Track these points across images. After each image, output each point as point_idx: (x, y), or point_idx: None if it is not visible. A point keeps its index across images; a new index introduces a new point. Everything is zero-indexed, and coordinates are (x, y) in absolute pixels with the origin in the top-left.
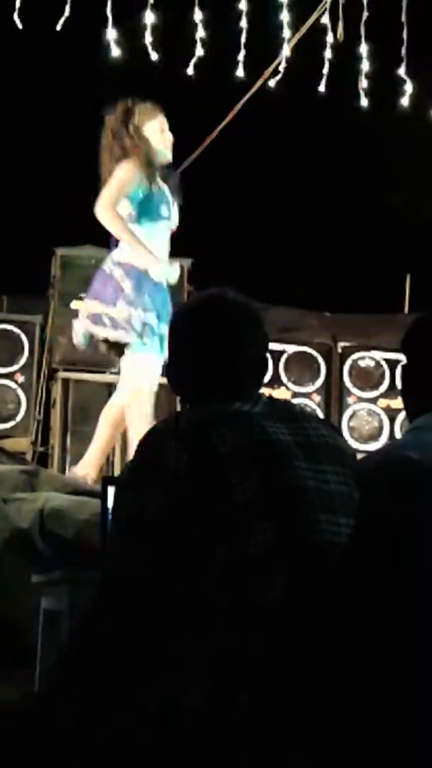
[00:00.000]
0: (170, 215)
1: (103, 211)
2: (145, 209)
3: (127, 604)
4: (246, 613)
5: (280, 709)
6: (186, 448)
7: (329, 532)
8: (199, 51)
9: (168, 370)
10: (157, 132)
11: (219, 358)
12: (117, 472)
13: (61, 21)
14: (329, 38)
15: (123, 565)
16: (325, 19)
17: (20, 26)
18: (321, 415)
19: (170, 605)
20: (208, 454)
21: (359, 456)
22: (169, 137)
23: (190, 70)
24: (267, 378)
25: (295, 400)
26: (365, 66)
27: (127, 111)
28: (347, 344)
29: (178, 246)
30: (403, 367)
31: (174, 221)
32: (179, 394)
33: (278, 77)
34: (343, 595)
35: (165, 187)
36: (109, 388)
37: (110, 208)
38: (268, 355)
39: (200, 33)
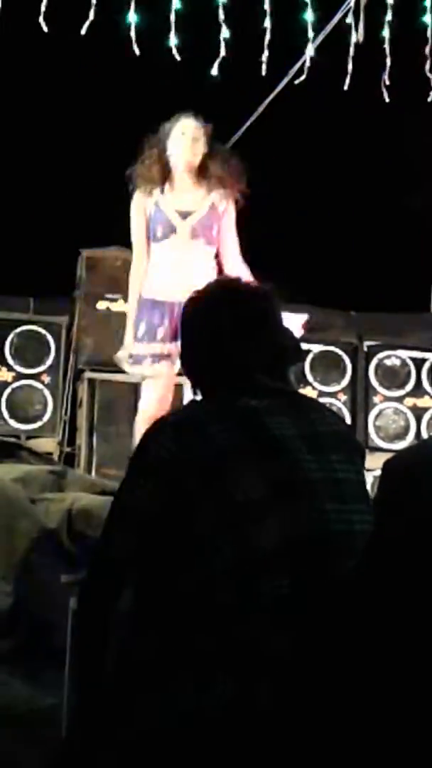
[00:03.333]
0: (172, 231)
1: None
2: (150, 232)
3: (101, 583)
4: (256, 610)
5: (300, 706)
6: (178, 441)
7: (339, 520)
8: (223, 51)
9: (181, 356)
10: (178, 138)
11: (229, 344)
12: None
13: (86, 24)
14: (353, 38)
15: (104, 546)
16: (349, 19)
17: (46, 29)
18: (347, 414)
19: (181, 603)
20: (203, 450)
21: (386, 456)
22: (187, 140)
23: (214, 71)
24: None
25: (321, 400)
26: (389, 65)
27: (162, 129)
28: (373, 343)
29: None
30: None
31: (183, 234)
32: (191, 380)
33: (302, 77)
34: (363, 583)
35: (168, 202)
36: (136, 389)
37: (137, 269)
38: (295, 341)
39: (224, 33)
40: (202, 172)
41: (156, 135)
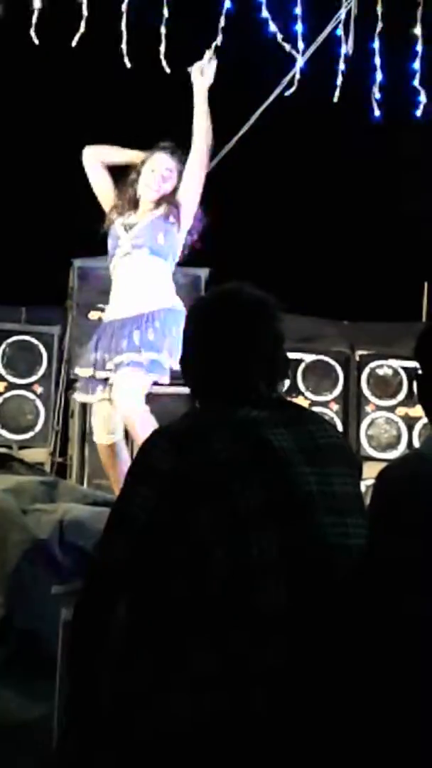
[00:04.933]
0: (119, 245)
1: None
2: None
3: (98, 592)
4: (252, 619)
5: (294, 714)
6: (177, 451)
7: (335, 533)
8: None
9: (181, 363)
10: (149, 173)
11: (230, 353)
12: None
13: (77, 37)
14: (343, 50)
15: (102, 555)
16: (340, 31)
17: (36, 41)
18: (339, 423)
19: (176, 610)
20: (201, 461)
21: (378, 465)
22: (156, 177)
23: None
24: (285, 386)
25: (314, 409)
26: (379, 77)
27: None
28: (365, 353)
29: (196, 255)
30: (418, 375)
31: (125, 247)
32: (191, 390)
33: (293, 89)
34: (358, 596)
35: (120, 220)
36: None
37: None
38: (287, 354)
39: (215, 44)
40: (160, 200)
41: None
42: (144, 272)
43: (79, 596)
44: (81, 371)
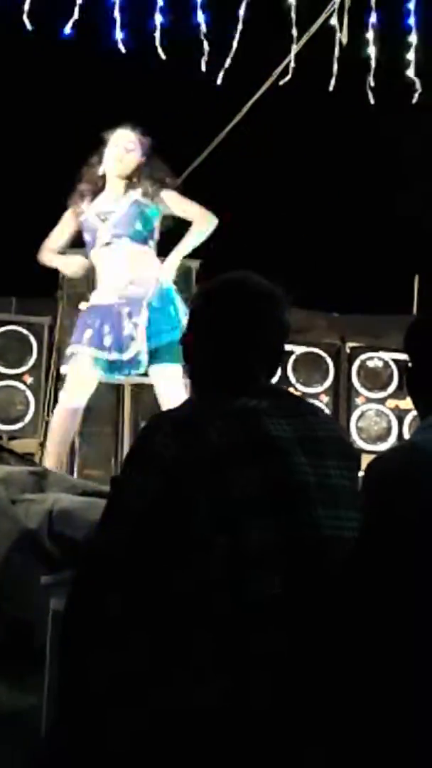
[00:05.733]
0: (97, 237)
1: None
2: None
3: (94, 579)
4: (248, 608)
5: (294, 704)
6: (177, 438)
7: (330, 526)
8: (206, 48)
9: (184, 350)
10: (111, 148)
11: (234, 343)
12: None
13: (70, 24)
14: (338, 39)
15: (98, 541)
16: (334, 20)
17: (30, 27)
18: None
19: (175, 601)
20: (201, 447)
21: (368, 457)
22: (118, 150)
23: (199, 70)
24: (275, 378)
25: None
26: (373, 66)
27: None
28: (356, 345)
29: None
30: (407, 368)
31: (104, 237)
32: (191, 378)
33: (287, 78)
34: (351, 585)
35: (92, 207)
36: (118, 390)
37: (41, 252)
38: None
39: (205, 31)
40: (132, 181)
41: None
42: (128, 260)
43: (74, 583)
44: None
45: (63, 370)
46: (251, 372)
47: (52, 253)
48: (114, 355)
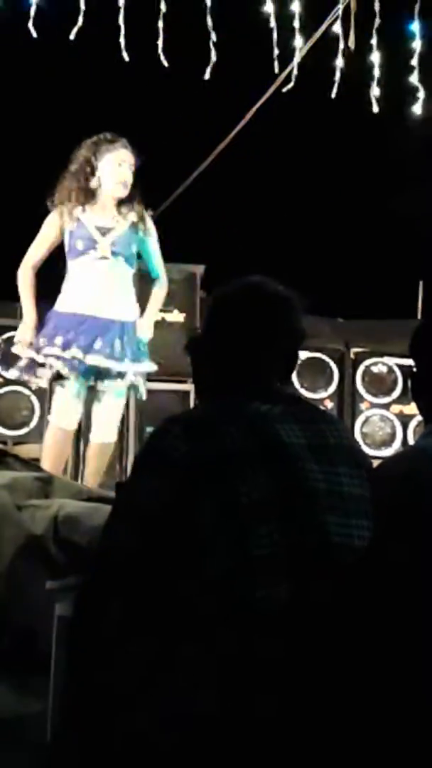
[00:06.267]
0: (92, 247)
1: (21, 267)
2: (68, 248)
3: (104, 582)
4: (251, 615)
5: (295, 711)
6: (188, 440)
7: (338, 534)
8: (213, 57)
9: (196, 354)
10: (115, 167)
11: (248, 347)
12: None
13: (75, 30)
14: (341, 46)
15: (107, 545)
16: (337, 27)
17: (35, 35)
18: None
19: (174, 603)
20: (212, 451)
21: (374, 463)
22: (123, 172)
23: (203, 77)
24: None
25: None
26: (377, 73)
27: (96, 144)
28: (360, 350)
29: (190, 252)
30: (412, 373)
31: (102, 251)
32: (203, 380)
33: (290, 85)
34: (361, 589)
35: (89, 218)
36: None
37: (22, 265)
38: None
39: (213, 39)
40: (124, 199)
41: (82, 150)
42: (123, 280)
43: (82, 587)
44: (25, 352)
45: (39, 373)
46: (264, 377)
47: (30, 277)
48: (111, 363)
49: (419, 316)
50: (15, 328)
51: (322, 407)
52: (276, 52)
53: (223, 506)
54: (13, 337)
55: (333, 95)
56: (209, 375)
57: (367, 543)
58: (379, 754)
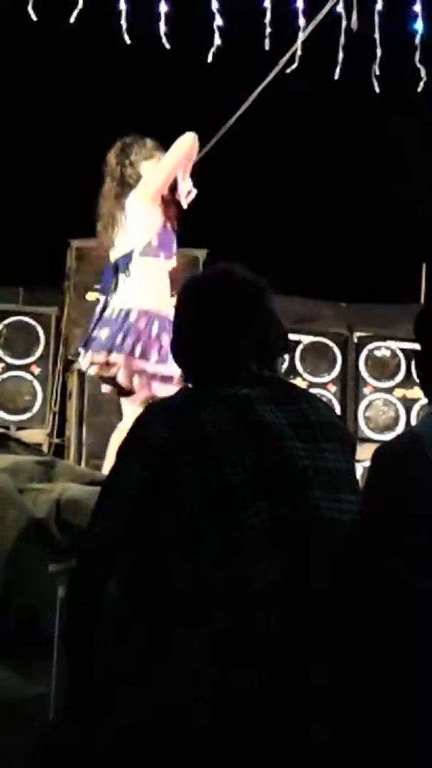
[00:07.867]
0: (170, 247)
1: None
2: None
3: (90, 568)
4: (246, 595)
5: (293, 688)
6: (169, 424)
7: (328, 509)
8: (216, 41)
9: (172, 344)
10: (186, 178)
11: (220, 333)
12: None
13: (75, 13)
14: (343, 26)
15: (93, 531)
16: (340, 8)
17: (34, 18)
18: (337, 405)
19: (168, 586)
20: (194, 432)
21: (375, 447)
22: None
23: (205, 59)
24: (283, 368)
25: (311, 391)
26: (379, 53)
27: (123, 149)
28: (363, 334)
29: (194, 236)
30: (416, 352)
31: (173, 248)
32: (182, 369)
33: (293, 66)
34: (350, 567)
35: (161, 223)
36: None
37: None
38: (286, 332)
39: (217, 22)
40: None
41: (126, 154)
42: (166, 276)
43: (72, 573)
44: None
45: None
46: (242, 361)
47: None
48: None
49: (423, 300)
50: (17, 313)
51: (323, 391)
52: (268, 32)
53: (210, 489)
54: (15, 322)
55: (336, 77)
56: (188, 362)
57: (355, 517)
58: (377, 728)
